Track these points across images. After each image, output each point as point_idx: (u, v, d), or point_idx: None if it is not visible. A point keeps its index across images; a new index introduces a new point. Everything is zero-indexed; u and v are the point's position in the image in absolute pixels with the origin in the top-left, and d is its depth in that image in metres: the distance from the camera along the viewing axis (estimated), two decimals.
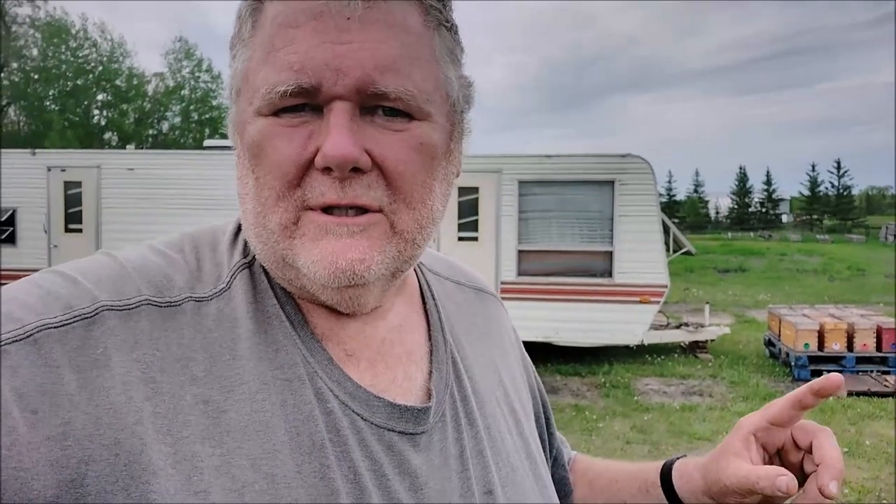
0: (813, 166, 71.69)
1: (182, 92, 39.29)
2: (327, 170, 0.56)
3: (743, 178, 73.86)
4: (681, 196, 78.25)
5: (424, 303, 0.74)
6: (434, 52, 0.60)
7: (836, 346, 7.94)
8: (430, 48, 0.60)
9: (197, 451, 0.53)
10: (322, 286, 0.59)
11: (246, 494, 0.53)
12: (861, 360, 7.92)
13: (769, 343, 9.11)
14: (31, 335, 0.52)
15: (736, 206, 73.72)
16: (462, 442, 0.66)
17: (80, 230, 9.32)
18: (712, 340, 9.42)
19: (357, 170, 0.56)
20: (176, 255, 0.63)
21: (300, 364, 0.60)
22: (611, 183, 8.49)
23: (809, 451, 0.67)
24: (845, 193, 70.18)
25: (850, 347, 7.98)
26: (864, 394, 7.06)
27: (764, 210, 73.16)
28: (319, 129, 0.56)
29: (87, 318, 0.54)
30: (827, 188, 70.45)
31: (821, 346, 7.99)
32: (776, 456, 0.71)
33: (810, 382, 0.66)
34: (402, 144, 0.58)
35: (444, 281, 0.80)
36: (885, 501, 4.77)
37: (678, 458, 0.79)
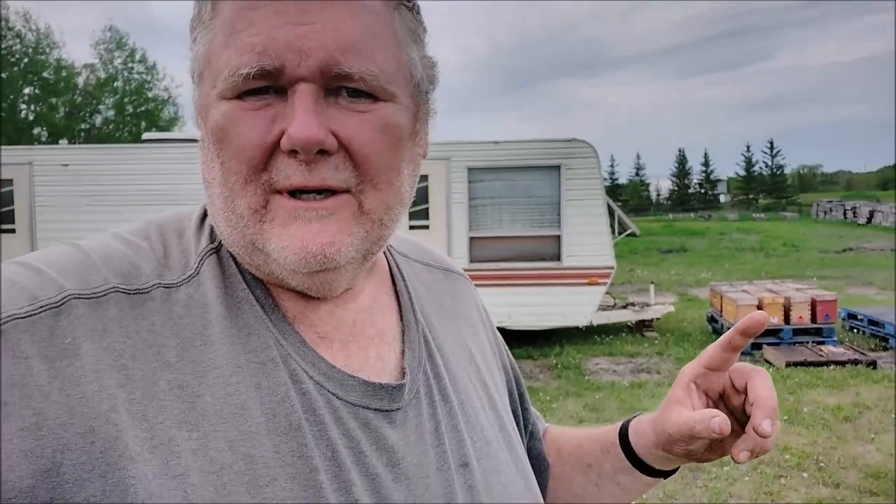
0: (748, 147, 74.20)
1: (115, 84, 37.85)
2: (293, 152, 0.55)
3: (682, 160, 75.87)
4: (623, 179, 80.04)
5: (395, 284, 0.75)
6: (395, 32, 0.60)
7: (774, 319, 8.27)
8: (391, 28, 0.59)
9: (173, 436, 0.53)
10: (292, 271, 0.59)
11: (225, 475, 0.53)
12: (797, 331, 8.29)
13: (712, 319, 9.44)
14: None
15: (676, 188, 75.75)
16: (437, 417, 0.67)
17: (13, 230, 8.93)
18: (658, 319, 9.70)
19: (323, 152, 0.56)
20: (142, 243, 0.62)
21: (273, 347, 0.60)
22: (557, 168, 8.62)
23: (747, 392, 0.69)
24: (779, 173, 72.89)
25: (786, 320, 8.34)
26: (801, 364, 7.40)
27: (703, 191, 75.37)
28: (283, 111, 0.56)
29: (54, 307, 0.54)
30: (761, 168, 73.02)
31: None
32: (720, 401, 0.72)
33: (739, 323, 0.68)
34: (366, 125, 0.58)
35: (412, 262, 0.81)
36: (822, 464, 5.03)
37: (634, 416, 0.82)
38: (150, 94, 38.17)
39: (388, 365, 0.67)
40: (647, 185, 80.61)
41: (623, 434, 0.80)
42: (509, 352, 0.89)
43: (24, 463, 0.48)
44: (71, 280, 0.56)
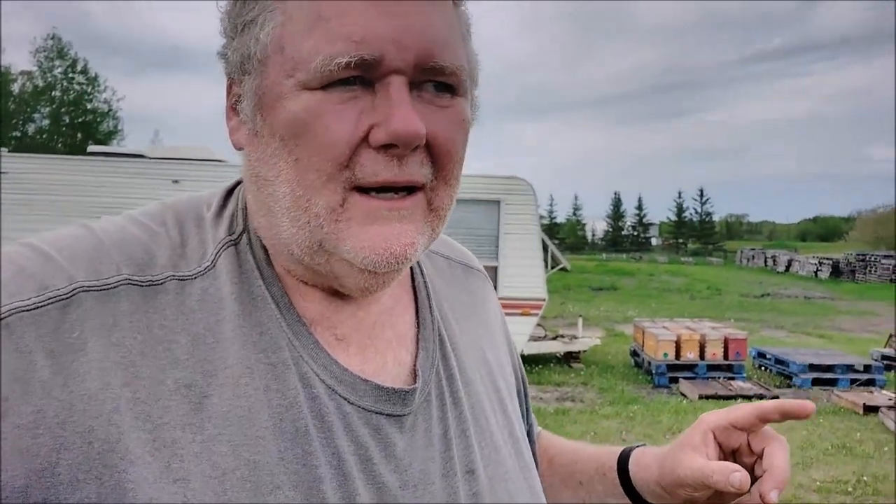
0: (679, 194, 77.48)
1: (53, 93, 36.87)
2: (385, 147, 0.54)
3: (617, 203, 78.62)
4: (561, 219, 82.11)
5: (413, 279, 0.73)
6: (461, 27, 0.60)
7: (690, 354, 8.88)
8: (459, 23, 0.60)
9: (177, 438, 0.51)
10: (361, 271, 0.58)
11: (227, 481, 0.52)
12: (711, 367, 8.89)
13: (634, 353, 9.99)
14: (2, 319, 0.50)
15: (611, 230, 78.20)
16: (446, 422, 0.65)
17: None
18: (585, 351, 10.19)
19: (414, 147, 0.55)
20: (158, 229, 0.60)
21: (285, 348, 0.58)
22: (497, 203, 9.08)
23: (762, 456, 0.68)
24: (707, 220, 76.14)
25: (702, 356, 8.95)
26: (712, 397, 7.95)
27: (636, 233, 78.03)
28: (372, 104, 0.54)
29: (62, 299, 0.52)
30: (691, 214, 76.21)
31: (678, 355, 8.90)
32: (731, 456, 0.72)
33: (783, 401, 0.68)
34: (448, 121, 0.57)
35: (433, 255, 0.79)
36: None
37: (638, 447, 0.80)
38: (89, 106, 37.27)
39: (404, 369, 0.65)
40: (584, 225, 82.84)
41: (622, 461, 0.79)
42: (517, 352, 0.88)
43: (18, 461, 0.47)
44: (81, 269, 0.54)
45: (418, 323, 0.70)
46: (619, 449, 0.80)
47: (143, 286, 0.55)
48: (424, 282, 0.73)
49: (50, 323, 0.51)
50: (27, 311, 0.51)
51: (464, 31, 0.60)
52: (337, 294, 0.63)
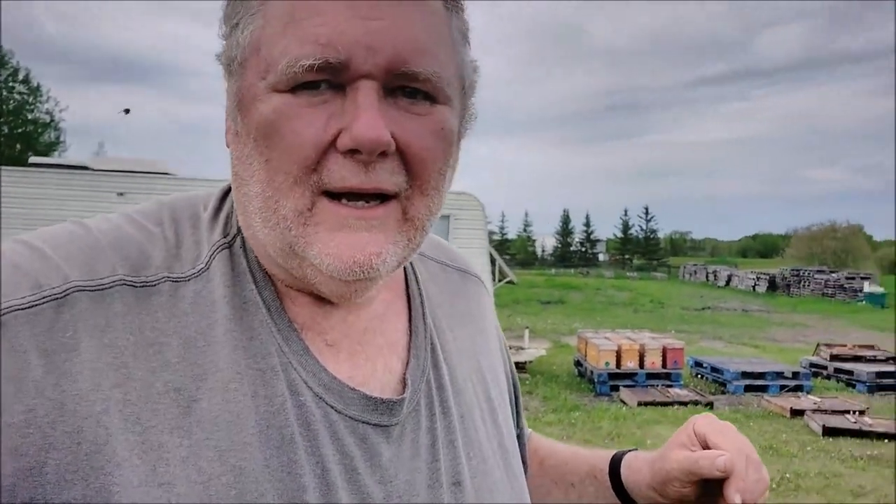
0: (626, 211, 79.65)
1: None
2: (351, 153, 0.53)
3: (566, 220, 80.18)
4: (512, 235, 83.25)
5: (407, 285, 0.72)
6: (452, 33, 0.58)
7: (630, 364, 9.21)
8: (449, 30, 0.58)
9: (164, 442, 0.51)
10: (330, 277, 0.57)
11: (211, 487, 0.51)
12: (650, 375, 9.23)
13: (578, 363, 10.28)
14: None
15: (559, 246, 79.60)
16: (434, 432, 0.64)
17: None
18: (531, 362, 10.44)
19: (382, 154, 0.54)
20: (154, 228, 0.60)
21: (274, 354, 0.58)
22: (447, 217, 9.30)
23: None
24: (652, 237, 78.35)
25: (641, 365, 9.29)
26: (651, 403, 8.27)
27: (584, 249, 79.57)
28: (342, 108, 0.53)
29: (56, 298, 0.52)
30: (637, 232, 78.23)
31: (619, 364, 9.22)
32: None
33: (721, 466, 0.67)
34: (425, 129, 0.55)
35: (428, 261, 0.77)
36: None
37: (630, 451, 0.81)
38: (30, 116, 36.20)
39: (394, 377, 0.65)
40: (534, 241, 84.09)
41: (614, 465, 0.79)
42: (511, 359, 0.87)
43: (7, 460, 0.47)
44: (76, 268, 0.54)
45: (411, 330, 0.69)
46: (611, 453, 0.81)
47: (137, 287, 0.55)
48: (419, 288, 0.72)
49: (44, 322, 0.51)
50: (22, 309, 0.51)
51: (455, 38, 0.59)
52: (326, 299, 0.62)
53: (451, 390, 0.68)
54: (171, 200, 0.65)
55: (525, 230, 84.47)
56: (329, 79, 0.53)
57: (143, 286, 0.56)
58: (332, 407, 0.59)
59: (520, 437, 0.85)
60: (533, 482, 0.84)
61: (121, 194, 9.38)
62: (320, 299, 0.62)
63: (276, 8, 0.54)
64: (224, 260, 0.60)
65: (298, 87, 0.53)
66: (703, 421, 0.72)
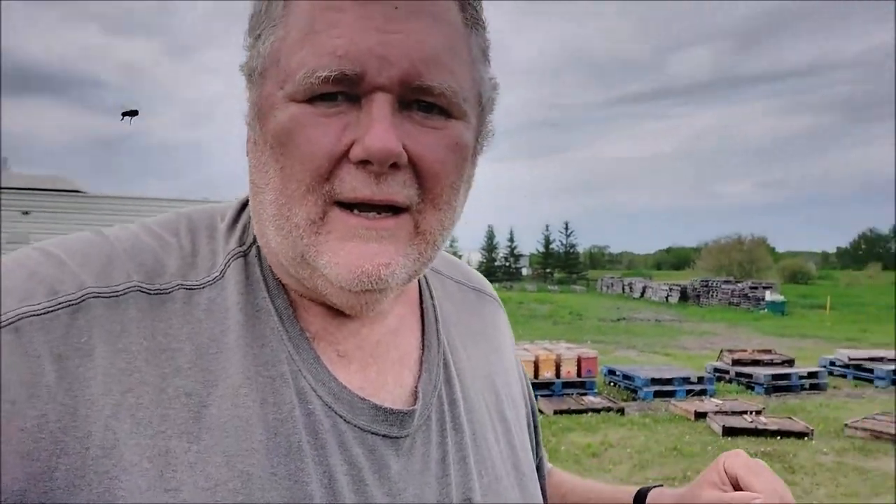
0: (547, 227, 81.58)
1: None
2: (363, 164, 0.53)
3: (491, 236, 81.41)
4: None
5: (422, 301, 0.72)
6: (471, 50, 0.59)
7: (547, 374, 9.52)
8: (468, 46, 0.58)
9: (173, 447, 0.52)
10: (339, 288, 0.57)
11: (218, 493, 0.52)
12: (566, 384, 9.57)
13: None
14: (12, 323, 0.50)
15: (484, 261, 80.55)
16: (445, 447, 0.64)
17: None
18: None
19: (394, 166, 0.54)
20: (171, 238, 0.61)
21: (284, 362, 0.58)
22: None
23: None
24: (572, 251, 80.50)
25: (557, 375, 9.62)
26: (566, 411, 8.58)
27: (508, 264, 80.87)
28: (357, 120, 0.54)
29: (72, 304, 0.53)
30: (558, 246, 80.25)
31: (536, 374, 9.51)
32: None
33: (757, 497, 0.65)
34: (438, 143, 0.56)
35: (444, 279, 0.78)
36: None
37: (654, 487, 0.79)
38: None
39: (405, 391, 0.65)
40: (460, 256, 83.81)
41: (639, 501, 0.78)
42: (529, 382, 0.87)
43: (19, 464, 0.48)
44: (92, 275, 0.55)
45: (423, 345, 0.69)
46: (634, 489, 0.80)
47: (151, 294, 0.56)
48: (433, 304, 0.73)
49: (59, 328, 0.52)
50: (37, 315, 0.52)
51: (475, 55, 0.59)
52: (339, 310, 0.62)
53: (463, 406, 0.68)
54: (190, 211, 0.66)
55: (451, 246, 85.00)
56: (345, 90, 0.54)
57: (157, 293, 0.57)
58: (340, 416, 0.59)
59: (539, 466, 0.84)
60: None
61: (26, 213, 9.01)
62: (334, 310, 0.62)
63: (297, 19, 0.55)
64: (239, 268, 0.61)
65: (315, 97, 0.54)
66: (735, 459, 0.70)
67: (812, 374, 10.53)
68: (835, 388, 10.73)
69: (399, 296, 0.66)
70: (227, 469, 0.53)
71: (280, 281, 0.62)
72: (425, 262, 0.60)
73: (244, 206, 0.66)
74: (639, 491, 0.79)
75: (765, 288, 30.88)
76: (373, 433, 0.60)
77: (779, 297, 28.44)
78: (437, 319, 0.71)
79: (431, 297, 0.73)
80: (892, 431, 7.50)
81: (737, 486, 0.68)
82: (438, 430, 0.65)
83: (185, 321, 0.56)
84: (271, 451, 0.55)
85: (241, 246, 0.63)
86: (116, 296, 0.55)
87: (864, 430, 7.67)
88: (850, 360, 11.57)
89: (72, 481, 0.49)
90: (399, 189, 0.55)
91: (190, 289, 0.58)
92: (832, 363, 11.72)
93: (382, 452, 0.60)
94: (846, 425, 7.82)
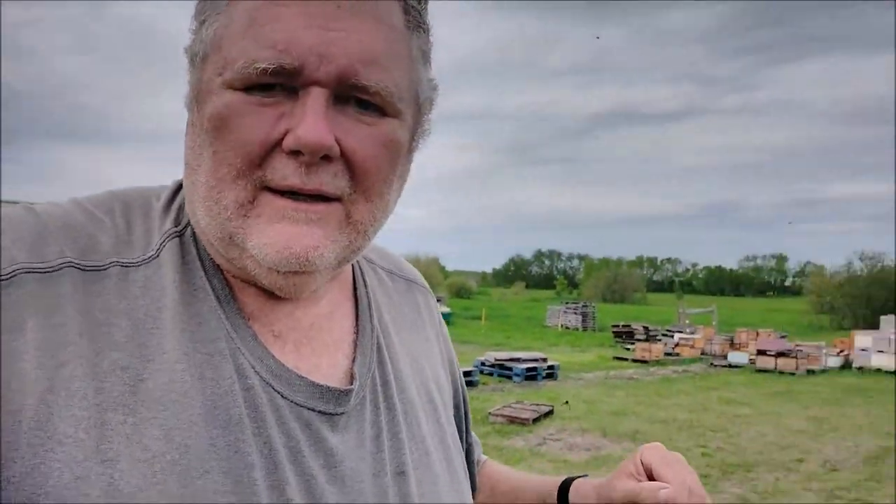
0: None
1: None
2: (295, 153, 0.55)
3: None
4: None
5: (355, 289, 0.74)
6: (411, 51, 0.60)
7: None
8: (408, 47, 0.60)
9: (109, 419, 0.52)
10: (267, 269, 0.58)
11: (156, 464, 0.52)
12: None
13: None
14: None
15: None
16: (379, 424, 0.66)
17: None
18: None
19: (325, 158, 0.55)
20: (104, 217, 0.61)
21: (223, 339, 0.59)
22: None
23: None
24: None
25: None
26: None
27: None
28: (292, 111, 0.55)
29: (2, 279, 0.53)
30: None
31: None
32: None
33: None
34: (371, 139, 0.58)
35: (377, 268, 0.80)
36: None
37: (578, 477, 0.83)
38: None
39: (339, 371, 0.66)
40: None
41: (563, 490, 0.82)
42: (460, 369, 0.89)
43: None
44: (24, 251, 0.55)
45: (357, 330, 0.71)
46: (560, 478, 0.83)
47: (85, 270, 0.56)
48: (366, 292, 0.75)
49: None
50: None
51: (415, 56, 0.61)
52: (273, 293, 0.63)
53: (395, 387, 0.70)
54: (124, 191, 0.66)
55: None
56: (283, 82, 0.55)
57: (92, 270, 0.57)
58: (278, 392, 0.60)
59: (469, 452, 0.87)
60: None
61: None
62: (268, 292, 0.63)
63: (240, 9, 0.56)
64: (174, 248, 0.62)
65: (253, 87, 0.55)
66: (652, 451, 0.73)
67: (467, 373, 12.11)
68: (484, 384, 12.59)
69: (332, 280, 0.69)
70: (164, 441, 0.53)
71: (215, 262, 0.63)
72: (355, 251, 0.62)
73: (180, 187, 0.67)
74: (565, 480, 0.83)
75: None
76: (309, 409, 0.61)
77: (446, 309, 31.69)
78: (370, 306, 0.74)
79: (365, 285, 0.75)
80: (525, 416, 9.09)
81: (651, 477, 0.72)
82: (373, 408, 0.67)
83: (120, 297, 0.57)
84: (210, 424, 0.55)
85: (176, 226, 0.64)
86: (50, 271, 0.55)
87: (503, 416, 9.17)
88: (496, 360, 13.69)
89: (5, 454, 0.49)
90: (329, 180, 0.57)
91: (125, 266, 0.59)
92: (483, 363, 13.68)
93: (318, 427, 0.61)
94: (490, 413, 9.25)
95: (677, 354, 19.37)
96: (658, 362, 17.66)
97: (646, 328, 24.03)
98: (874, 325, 22.24)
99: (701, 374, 16.19)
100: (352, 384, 0.65)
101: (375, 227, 0.62)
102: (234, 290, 0.63)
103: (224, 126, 0.56)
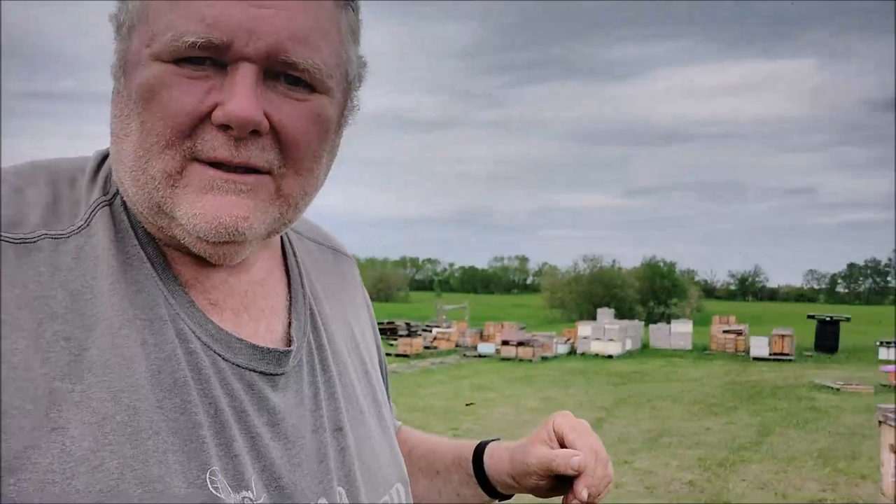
0: None
1: None
2: (224, 127, 0.55)
3: None
4: None
5: (286, 259, 0.75)
6: (340, 29, 0.61)
7: None
8: (337, 25, 0.61)
9: (56, 387, 0.52)
10: (197, 238, 0.58)
11: (106, 425, 0.52)
12: None
13: None
14: None
15: None
16: (316, 385, 0.68)
17: None
18: None
19: (254, 132, 0.56)
20: (29, 188, 0.60)
21: (162, 305, 0.59)
22: None
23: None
24: None
25: None
26: None
27: None
28: (221, 85, 0.56)
29: None
30: None
31: None
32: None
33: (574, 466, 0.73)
34: (300, 114, 0.58)
35: (304, 240, 0.82)
36: None
37: (493, 440, 0.86)
38: None
39: (276, 336, 0.68)
40: None
41: (478, 453, 0.84)
42: (379, 335, 0.92)
43: None
44: None
45: (290, 297, 0.72)
46: (475, 442, 0.86)
47: (15, 244, 0.55)
48: (297, 260, 0.76)
49: None
50: None
51: (344, 34, 0.62)
52: (206, 260, 0.63)
53: (329, 350, 0.72)
54: (48, 162, 0.65)
55: None
56: (212, 56, 0.55)
57: (21, 243, 0.56)
58: (219, 355, 0.61)
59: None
60: None
61: None
62: (202, 260, 0.63)
63: None
64: (105, 217, 0.61)
65: (181, 59, 0.55)
66: (563, 419, 0.78)
67: None
68: None
69: (262, 249, 0.70)
70: (113, 403, 0.53)
71: (147, 230, 0.63)
72: (286, 223, 0.63)
73: (105, 157, 0.67)
74: (479, 443, 0.86)
75: None
76: (251, 370, 0.63)
77: None
78: (301, 274, 0.75)
79: (294, 255, 0.77)
80: None
81: (562, 444, 0.77)
82: (309, 370, 0.69)
83: (54, 269, 0.56)
84: (156, 387, 0.56)
85: (105, 195, 0.63)
86: None
87: None
88: None
89: None
90: (258, 153, 0.57)
91: (56, 238, 0.58)
92: None
93: (261, 387, 0.63)
94: None
95: (435, 347, 20.90)
96: (418, 355, 18.97)
97: (408, 324, 25.23)
98: (594, 317, 26.03)
99: (455, 364, 17.84)
100: (290, 346, 0.68)
101: (306, 201, 0.64)
102: (168, 257, 0.63)
103: (152, 97, 0.56)
